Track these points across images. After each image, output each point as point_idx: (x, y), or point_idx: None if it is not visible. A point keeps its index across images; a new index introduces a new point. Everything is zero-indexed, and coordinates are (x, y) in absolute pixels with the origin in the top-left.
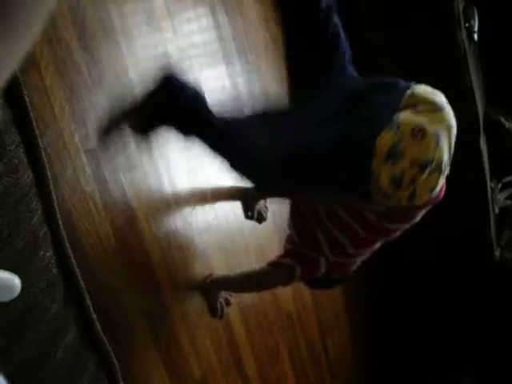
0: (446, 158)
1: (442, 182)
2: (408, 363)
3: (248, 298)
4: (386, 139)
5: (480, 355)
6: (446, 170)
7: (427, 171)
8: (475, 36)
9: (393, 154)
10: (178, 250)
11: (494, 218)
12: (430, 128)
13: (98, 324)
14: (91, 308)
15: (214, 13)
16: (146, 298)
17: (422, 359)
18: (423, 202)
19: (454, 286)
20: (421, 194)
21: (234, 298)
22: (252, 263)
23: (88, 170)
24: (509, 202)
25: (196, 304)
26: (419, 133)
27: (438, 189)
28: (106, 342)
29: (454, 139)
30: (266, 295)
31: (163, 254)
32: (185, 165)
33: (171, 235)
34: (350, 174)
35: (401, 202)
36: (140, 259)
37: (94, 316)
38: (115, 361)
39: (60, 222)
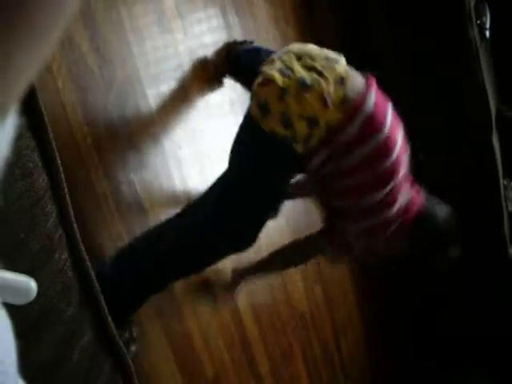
0: (303, 74)
1: (326, 88)
2: (421, 362)
3: (261, 297)
4: (253, 107)
5: (493, 354)
6: (319, 79)
7: (291, 96)
8: (487, 33)
9: (263, 109)
10: None
11: (508, 216)
12: (269, 69)
13: (113, 326)
14: (106, 310)
15: (224, 13)
16: (159, 298)
17: (435, 358)
18: (332, 116)
19: (467, 284)
20: (315, 111)
21: (247, 298)
22: None
23: (100, 172)
24: None
25: (208, 303)
26: (265, 80)
27: (328, 98)
28: (122, 344)
29: (308, 56)
30: (279, 294)
31: None
32: (196, 164)
33: None
34: (268, 156)
35: (310, 133)
36: None
37: (110, 318)
38: (130, 362)
39: (75, 225)
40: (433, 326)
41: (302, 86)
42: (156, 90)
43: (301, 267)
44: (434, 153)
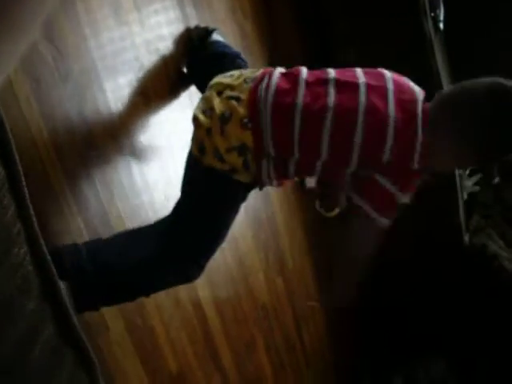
0: (221, 109)
1: (243, 112)
2: (382, 351)
3: (222, 289)
4: (193, 147)
5: (452, 342)
6: (235, 106)
7: (216, 133)
8: (441, 25)
9: (201, 149)
10: None
11: (463, 204)
12: (197, 112)
13: (75, 320)
14: (68, 304)
15: (181, 5)
16: None
17: (396, 347)
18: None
19: (424, 272)
20: (239, 138)
21: (209, 290)
22: (226, 258)
23: (58, 166)
24: (476, 187)
25: (171, 297)
26: (195, 124)
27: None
28: (84, 338)
29: (229, 88)
30: (240, 285)
31: None
32: (155, 158)
33: None
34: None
35: (245, 159)
36: None
37: (71, 312)
38: (94, 356)
39: (34, 218)
40: (393, 314)
41: (222, 120)
42: (113, 82)
43: (263, 258)
44: None
